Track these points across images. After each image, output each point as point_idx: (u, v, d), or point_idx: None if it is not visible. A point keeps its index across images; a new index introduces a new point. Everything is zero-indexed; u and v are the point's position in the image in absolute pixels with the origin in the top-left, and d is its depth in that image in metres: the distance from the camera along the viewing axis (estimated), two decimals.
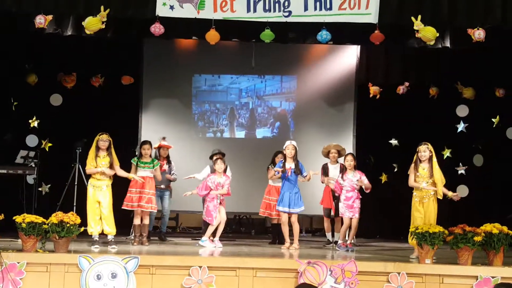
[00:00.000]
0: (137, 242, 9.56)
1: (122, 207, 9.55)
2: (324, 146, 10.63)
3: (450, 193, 8.75)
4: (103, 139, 9.10)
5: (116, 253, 8.12)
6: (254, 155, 12.15)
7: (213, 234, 9.74)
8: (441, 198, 8.65)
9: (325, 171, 10.46)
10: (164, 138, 10.55)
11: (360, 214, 9.68)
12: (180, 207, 11.87)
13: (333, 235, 10.39)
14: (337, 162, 10.47)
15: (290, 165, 9.60)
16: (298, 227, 9.78)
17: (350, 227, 9.68)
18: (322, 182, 10.45)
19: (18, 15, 9.34)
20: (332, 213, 10.40)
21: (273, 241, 10.56)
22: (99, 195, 9.00)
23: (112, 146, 9.16)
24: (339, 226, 10.12)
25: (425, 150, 8.73)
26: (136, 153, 11.42)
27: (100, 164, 9.05)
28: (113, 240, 9.00)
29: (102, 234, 9.10)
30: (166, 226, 10.91)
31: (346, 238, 9.72)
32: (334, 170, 10.39)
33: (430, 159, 8.74)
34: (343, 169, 10.04)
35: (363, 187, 9.76)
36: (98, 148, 9.11)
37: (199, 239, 9.91)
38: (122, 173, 9.26)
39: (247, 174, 11.83)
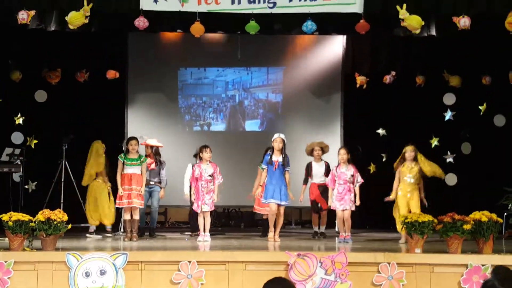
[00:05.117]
0: (127, 238, 9.54)
1: (116, 206, 9.91)
2: (307, 144, 10.56)
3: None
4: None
5: (104, 249, 8.07)
6: (243, 148, 12.09)
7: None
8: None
9: (308, 169, 10.43)
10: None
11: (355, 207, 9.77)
12: (168, 202, 11.79)
13: (319, 227, 10.39)
14: (321, 160, 10.44)
15: (277, 158, 9.54)
16: (282, 220, 9.73)
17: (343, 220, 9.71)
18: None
19: None
20: (320, 205, 10.35)
21: (263, 234, 10.51)
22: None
23: None
24: (325, 219, 10.28)
25: (412, 150, 9.44)
26: (123, 148, 11.32)
27: None
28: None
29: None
30: (156, 221, 10.80)
31: (337, 230, 9.77)
32: (319, 168, 10.37)
33: (415, 158, 9.44)
34: (327, 167, 10.19)
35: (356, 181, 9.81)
36: None
37: (188, 234, 9.82)
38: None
39: (236, 167, 11.76)
